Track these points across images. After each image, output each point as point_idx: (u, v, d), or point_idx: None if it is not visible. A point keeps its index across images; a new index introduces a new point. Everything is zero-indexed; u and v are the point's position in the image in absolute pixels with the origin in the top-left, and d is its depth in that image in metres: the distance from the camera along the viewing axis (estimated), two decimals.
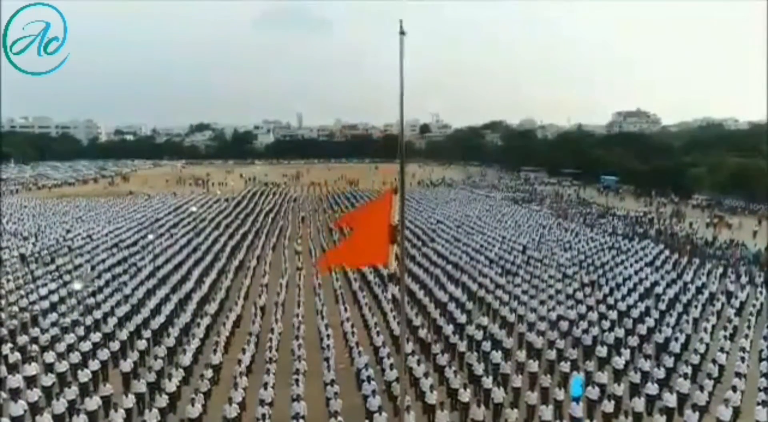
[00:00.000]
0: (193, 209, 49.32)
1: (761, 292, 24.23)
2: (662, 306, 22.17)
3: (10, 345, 17.84)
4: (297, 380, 14.75)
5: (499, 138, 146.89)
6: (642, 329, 19.55)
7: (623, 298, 23.03)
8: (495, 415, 14.11)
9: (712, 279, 26.65)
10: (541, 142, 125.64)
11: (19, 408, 13.76)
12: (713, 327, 20.01)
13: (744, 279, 26.85)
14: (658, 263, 30.36)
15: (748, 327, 19.44)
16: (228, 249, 34.14)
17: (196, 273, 27.27)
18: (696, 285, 25.44)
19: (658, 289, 24.63)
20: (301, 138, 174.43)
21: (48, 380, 15.44)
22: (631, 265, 29.27)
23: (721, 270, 28.68)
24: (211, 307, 21.86)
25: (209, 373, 15.86)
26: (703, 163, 63.73)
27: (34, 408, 14.08)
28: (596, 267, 28.92)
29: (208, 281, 25.79)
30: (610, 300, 22.83)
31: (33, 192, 75.48)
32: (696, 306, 22.17)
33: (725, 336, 18.33)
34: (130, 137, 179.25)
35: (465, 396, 14.35)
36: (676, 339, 18.26)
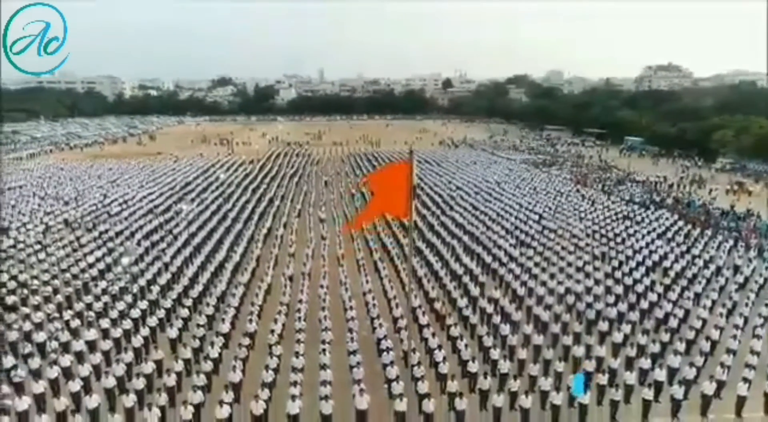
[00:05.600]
0: (221, 176, 51.16)
1: (766, 267, 25.12)
2: (667, 281, 23.32)
3: (70, 311, 20.07)
4: (324, 349, 16.60)
5: (523, 93, 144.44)
6: (644, 304, 20.83)
7: (630, 272, 24.19)
8: (500, 384, 15.77)
9: (721, 253, 27.52)
10: (567, 99, 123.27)
11: (85, 370, 15.93)
12: (713, 302, 21.13)
13: (752, 253, 27.66)
14: (670, 234, 31.22)
15: (746, 304, 20.54)
16: (256, 216, 36.02)
17: (227, 242, 29.19)
18: (704, 259, 26.38)
19: (666, 263, 25.68)
20: (323, 93, 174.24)
21: (106, 345, 17.59)
22: (643, 237, 30.18)
23: (732, 242, 29.43)
24: (244, 277, 23.80)
25: (246, 340, 17.83)
26: (731, 126, 62.67)
27: (97, 371, 16.27)
28: (609, 238, 29.94)
29: (239, 250, 27.71)
30: (618, 274, 24.04)
31: (65, 152, 78.38)
32: (700, 281, 23.24)
33: (721, 313, 19.51)
34: (153, 92, 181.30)
35: (474, 367, 16.06)
36: (675, 315, 19.56)
